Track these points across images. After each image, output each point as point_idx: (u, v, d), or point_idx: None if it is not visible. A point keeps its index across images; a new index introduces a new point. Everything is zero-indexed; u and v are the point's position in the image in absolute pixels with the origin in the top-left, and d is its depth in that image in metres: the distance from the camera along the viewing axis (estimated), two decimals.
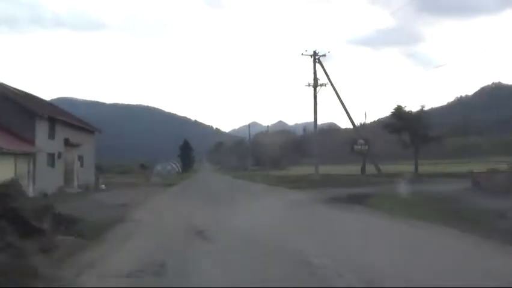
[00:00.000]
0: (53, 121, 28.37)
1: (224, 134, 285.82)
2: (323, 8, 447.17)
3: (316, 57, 37.43)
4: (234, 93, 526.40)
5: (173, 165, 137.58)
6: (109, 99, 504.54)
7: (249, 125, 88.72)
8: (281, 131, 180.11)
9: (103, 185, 37.38)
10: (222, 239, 10.15)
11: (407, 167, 38.93)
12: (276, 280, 6.40)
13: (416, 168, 37.38)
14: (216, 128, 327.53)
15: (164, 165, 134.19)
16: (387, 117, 41.40)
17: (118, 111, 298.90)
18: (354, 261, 7.48)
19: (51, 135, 28.35)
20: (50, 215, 9.59)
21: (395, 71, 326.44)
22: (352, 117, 36.45)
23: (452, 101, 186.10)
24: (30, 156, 25.48)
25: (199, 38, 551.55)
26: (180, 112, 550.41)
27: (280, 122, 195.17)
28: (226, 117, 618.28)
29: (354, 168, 55.69)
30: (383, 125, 40.60)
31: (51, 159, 28.37)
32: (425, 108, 37.91)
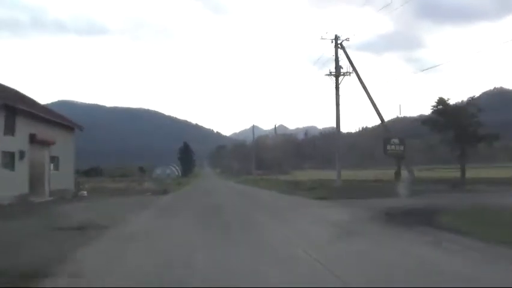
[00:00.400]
0: (12, 111, 21.68)
1: (225, 137, 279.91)
2: (324, 13, 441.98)
3: (339, 41, 30.86)
4: (235, 97, 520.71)
5: (173, 169, 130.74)
6: (109, 103, 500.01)
7: (253, 127, 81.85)
8: (283, 135, 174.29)
9: (84, 192, 30.73)
10: None
11: (443, 173, 32.65)
12: None
13: (463, 174, 30.64)
14: (217, 132, 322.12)
15: (164, 169, 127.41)
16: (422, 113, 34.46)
17: (119, 114, 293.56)
18: None
19: (9, 129, 21.66)
20: None
21: (395, 75, 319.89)
22: (380, 111, 29.60)
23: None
24: None
25: (200, 42, 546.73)
26: (181, 116, 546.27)
27: (281, 126, 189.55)
28: (227, 121, 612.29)
29: (370, 173, 49.39)
30: (422, 121, 33.60)
31: (9, 159, 21.73)
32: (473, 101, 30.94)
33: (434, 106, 30.49)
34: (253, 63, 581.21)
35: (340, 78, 30.15)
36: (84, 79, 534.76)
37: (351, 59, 29.89)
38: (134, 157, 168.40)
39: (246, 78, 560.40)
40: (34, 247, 9.28)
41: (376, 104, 28.97)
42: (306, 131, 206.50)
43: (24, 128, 22.91)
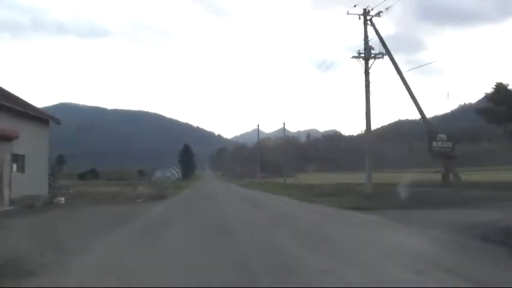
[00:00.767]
0: None
1: (226, 140, 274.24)
2: (324, 16, 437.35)
3: (368, 17, 25.05)
4: (236, 99, 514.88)
5: (173, 172, 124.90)
6: (110, 105, 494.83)
7: (258, 127, 75.81)
8: (285, 137, 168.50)
9: (62, 199, 24.80)
10: None
11: (491, 175, 26.89)
12: None
13: None
14: (218, 135, 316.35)
15: (164, 172, 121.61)
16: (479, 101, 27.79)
17: (119, 117, 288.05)
18: None
19: None
20: None
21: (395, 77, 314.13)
22: (419, 103, 23.65)
23: (456, 109, 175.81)
24: None
25: (201, 45, 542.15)
26: (182, 118, 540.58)
27: (282, 128, 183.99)
28: (228, 124, 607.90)
29: (388, 177, 43.74)
30: (478, 111, 27.64)
31: None
32: None
33: (490, 93, 24.60)
34: (254, 66, 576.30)
35: (370, 61, 24.31)
36: (85, 81, 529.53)
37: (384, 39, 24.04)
38: (134, 160, 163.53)
39: (247, 80, 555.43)
40: None
41: (414, 93, 23.11)
42: (308, 133, 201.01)
43: None
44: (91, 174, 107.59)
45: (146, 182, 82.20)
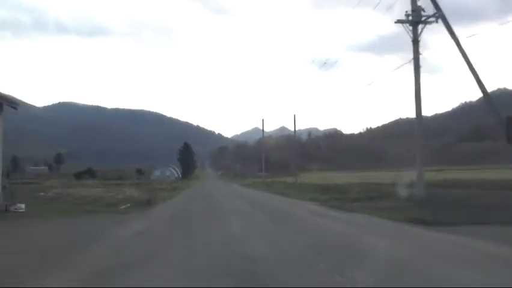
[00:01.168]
0: None
1: (226, 139, 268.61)
2: (325, 14, 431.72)
3: None
4: (236, 98, 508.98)
5: (173, 171, 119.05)
6: (110, 104, 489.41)
7: (262, 122, 69.59)
8: (286, 136, 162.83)
9: (22, 206, 18.96)
10: None
11: None
12: None
13: None
14: (218, 133, 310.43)
15: (163, 171, 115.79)
16: None
17: (120, 116, 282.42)
18: None
19: None
20: None
21: (396, 77, 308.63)
22: (482, 81, 17.66)
23: (457, 107, 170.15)
24: None
25: (201, 44, 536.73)
26: (182, 117, 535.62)
27: (282, 127, 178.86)
28: (228, 123, 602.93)
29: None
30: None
31: None
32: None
33: None
34: (254, 65, 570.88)
35: (419, 27, 18.43)
36: (85, 81, 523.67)
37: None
38: (135, 159, 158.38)
39: (247, 79, 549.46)
40: None
41: (474, 66, 17.22)
42: (310, 131, 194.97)
43: None
44: (87, 174, 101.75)
45: (144, 182, 76.56)
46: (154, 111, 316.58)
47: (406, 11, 18.24)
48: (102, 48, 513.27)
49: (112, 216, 16.07)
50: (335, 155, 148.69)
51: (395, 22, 18.38)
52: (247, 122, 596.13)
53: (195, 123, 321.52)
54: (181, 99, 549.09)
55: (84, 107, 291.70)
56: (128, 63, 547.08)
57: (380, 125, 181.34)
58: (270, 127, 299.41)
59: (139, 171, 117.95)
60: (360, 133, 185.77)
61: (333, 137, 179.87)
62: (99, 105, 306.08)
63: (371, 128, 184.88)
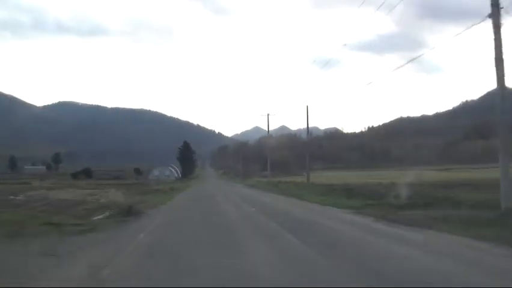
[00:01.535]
0: None
1: (227, 138, 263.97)
2: (325, 14, 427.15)
3: None
4: (236, 98, 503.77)
5: (172, 170, 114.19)
6: (110, 104, 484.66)
7: (267, 118, 64.63)
8: (287, 135, 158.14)
9: None
10: None
11: None
12: None
13: None
14: (219, 133, 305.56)
15: (163, 170, 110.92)
16: None
17: (120, 115, 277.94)
18: None
19: None
20: None
21: (397, 76, 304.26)
22: None
23: (458, 105, 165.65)
24: None
25: (201, 43, 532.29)
26: (183, 116, 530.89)
27: (283, 126, 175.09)
28: (228, 122, 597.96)
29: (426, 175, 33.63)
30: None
31: None
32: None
33: None
34: (254, 64, 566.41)
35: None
36: (85, 80, 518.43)
37: None
38: (135, 158, 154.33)
39: (247, 79, 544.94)
40: None
41: None
42: (310, 130, 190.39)
43: None
44: (84, 174, 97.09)
45: (141, 182, 71.97)
46: (154, 110, 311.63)
47: None
48: (102, 48, 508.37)
49: (64, 239, 10.55)
50: (337, 153, 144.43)
51: None
52: (248, 121, 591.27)
53: (195, 122, 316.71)
54: (182, 98, 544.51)
55: (84, 106, 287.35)
56: (128, 63, 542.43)
57: (381, 123, 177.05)
58: (270, 126, 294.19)
59: (137, 171, 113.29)
60: (361, 132, 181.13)
61: (334, 136, 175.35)
62: (99, 104, 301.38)
63: (372, 126, 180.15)
